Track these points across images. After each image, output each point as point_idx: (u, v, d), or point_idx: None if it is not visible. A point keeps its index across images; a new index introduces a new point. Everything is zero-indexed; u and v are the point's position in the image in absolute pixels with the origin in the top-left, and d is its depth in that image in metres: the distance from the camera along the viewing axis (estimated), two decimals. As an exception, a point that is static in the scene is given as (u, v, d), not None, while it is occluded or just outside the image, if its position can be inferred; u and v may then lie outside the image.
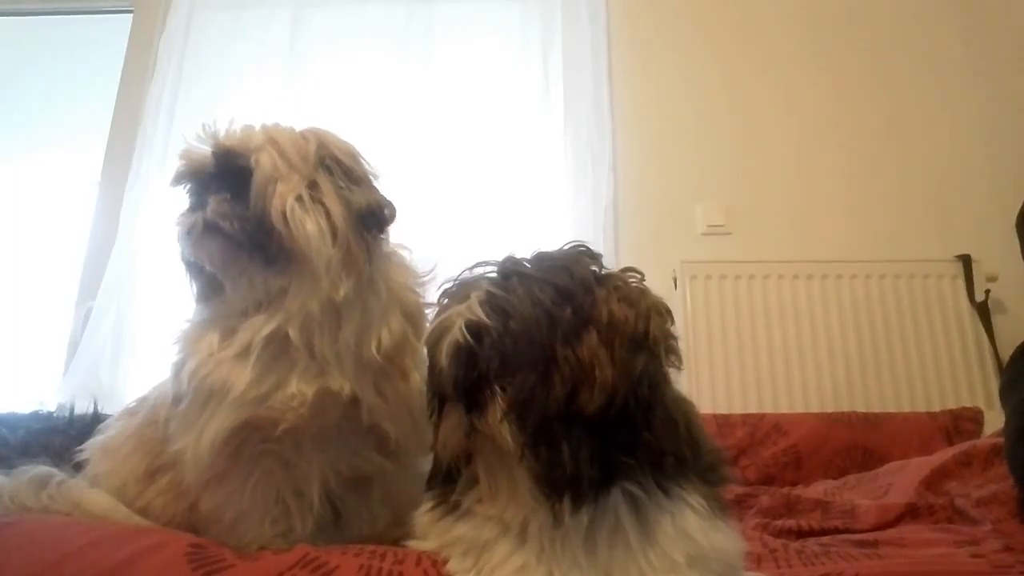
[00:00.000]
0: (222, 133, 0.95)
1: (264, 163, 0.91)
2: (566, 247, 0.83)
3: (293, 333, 0.90)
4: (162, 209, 2.50)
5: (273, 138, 0.94)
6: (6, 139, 3.14)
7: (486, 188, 2.58)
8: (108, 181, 2.71)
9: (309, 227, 0.89)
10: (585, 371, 0.72)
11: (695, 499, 0.76)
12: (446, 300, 0.80)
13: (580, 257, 0.81)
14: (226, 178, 0.93)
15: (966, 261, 2.40)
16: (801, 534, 1.23)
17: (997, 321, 2.33)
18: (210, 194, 0.93)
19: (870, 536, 1.14)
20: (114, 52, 2.91)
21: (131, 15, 2.98)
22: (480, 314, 0.74)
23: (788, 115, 2.69)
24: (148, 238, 2.51)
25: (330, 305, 0.91)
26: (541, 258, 0.81)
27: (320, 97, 2.69)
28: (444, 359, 0.75)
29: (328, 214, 0.91)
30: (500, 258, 0.81)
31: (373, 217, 0.94)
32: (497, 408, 0.73)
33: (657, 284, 0.83)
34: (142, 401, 1.07)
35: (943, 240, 2.46)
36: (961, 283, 2.39)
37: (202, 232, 0.92)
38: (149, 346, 2.40)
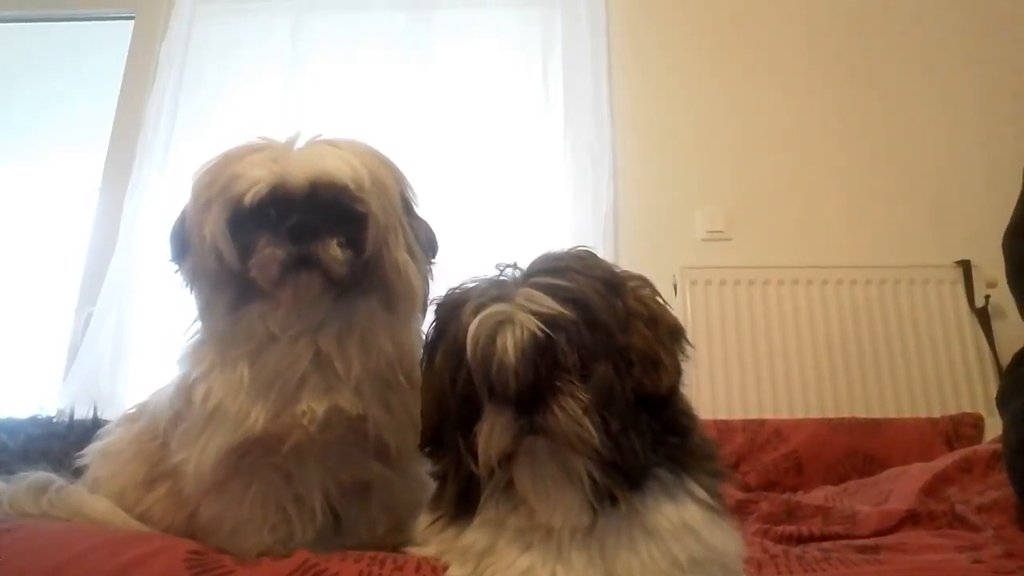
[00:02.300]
0: (319, 164, 0.89)
1: (377, 211, 0.91)
2: (575, 249, 0.83)
3: (340, 366, 0.90)
4: (163, 214, 2.52)
5: (377, 178, 0.92)
6: (7, 144, 3.15)
7: (486, 193, 2.59)
8: (109, 186, 2.71)
9: (415, 281, 0.94)
10: (651, 358, 0.76)
11: (698, 490, 0.77)
12: (477, 299, 0.76)
13: (596, 257, 0.83)
14: (319, 208, 0.89)
15: (966, 266, 2.40)
16: (802, 540, 1.22)
17: (997, 326, 2.33)
18: (290, 222, 0.87)
19: (871, 542, 1.13)
20: (115, 58, 2.91)
21: (132, 21, 2.99)
22: (555, 306, 0.73)
23: (788, 121, 2.69)
24: (148, 243, 2.51)
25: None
26: (571, 255, 0.81)
27: (320, 102, 2.69)
28: (512, 354, 0.71)
29: (419, 261, 0.96)
30: (521, 259, 0.80)
31: (431, 249, 1.00)
32: (574, 402, 0.72)
33: (660, 293, 0.84)
34: (143, 406, 1.07)
35: (943, 245, 2.47)
36: (961, 288, 2.39)
37: (301, 268, 0.88)
38: (149, 352, 2.40)
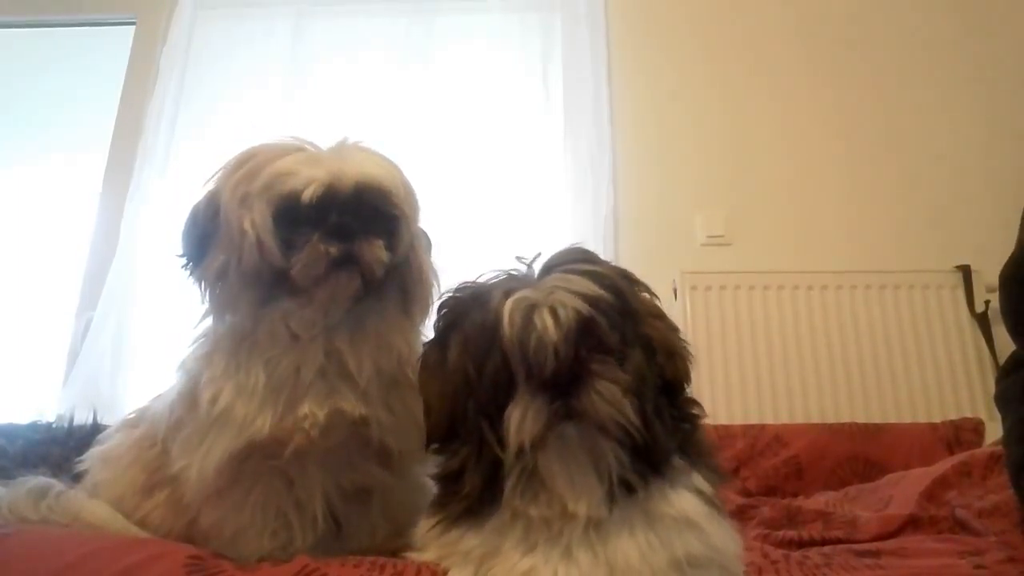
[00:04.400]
0: (364, 168, 0.91)
1: (410, 217, 0.95)
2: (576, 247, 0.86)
3: (353, 366, 0.91)
4: (163, 218, 2.52)
5: (407, 187, 0.97)
6: (8, 148, 3.15)
7: (485, 196, 2.59)
8: (109, 191, 2.71)
9: (433, 284, 0.98)
10: (669, 347, 0.80)
11: (701, 483, 0.78)
12: (505, 287, 0.77)
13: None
14: (361, 209, 0.90)
15: (966, 272, 2.40)
16: (802, 544, 1.22)
17: (998, 331, 2.32)
18: (337, 221, 0.89)
19: (872, 546, 1.13)
20: (116, 63, 2.92)
21: (133, 26, 2.99)
22: (596, 289, 0.74)
23: (787, 125, 2.70)
24: (149, 248, 2.51)
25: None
26: (585, 251, 0.85)
27: (320, 105, 2.70)
28: (552, 332, 0.71)
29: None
30: (545, 253, 0.83)
31: (430, 250, 1.04)
32: (613, 384, 0.72)
33: (657, 294, 0.85)
34: (142, 412, 1.07)
35: (943, 250, 2.47)
36: (961, 293, 2.39)
37: (342, 267, 0.89)
38: (149, 356, 2.39)
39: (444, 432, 0.80)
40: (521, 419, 0.72)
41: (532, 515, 0.73)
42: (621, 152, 2.65)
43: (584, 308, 0.73)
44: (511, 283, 0.78)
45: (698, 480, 0.78)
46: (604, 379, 0.72)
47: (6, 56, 3.20)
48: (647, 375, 0.76)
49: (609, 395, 0.72)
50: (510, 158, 2.65)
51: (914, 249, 2.50)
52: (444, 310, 0.84)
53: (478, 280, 0.82)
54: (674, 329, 0.84)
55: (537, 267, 0.80)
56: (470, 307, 0.79)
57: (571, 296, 0.73)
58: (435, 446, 0.82)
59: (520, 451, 0.72)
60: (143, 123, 2.72)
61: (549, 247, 0.85)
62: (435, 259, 1.04)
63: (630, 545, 0.73)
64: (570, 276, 0.75)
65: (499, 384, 0.75)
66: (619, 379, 0.73)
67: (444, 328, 0.83)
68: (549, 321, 0.72)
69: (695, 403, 0.83)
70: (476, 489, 0.75)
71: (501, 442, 0.74)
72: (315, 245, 0.88)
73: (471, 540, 0.76)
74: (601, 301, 0.74)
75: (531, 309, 0.73)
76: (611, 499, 0.73)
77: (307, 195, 0.87)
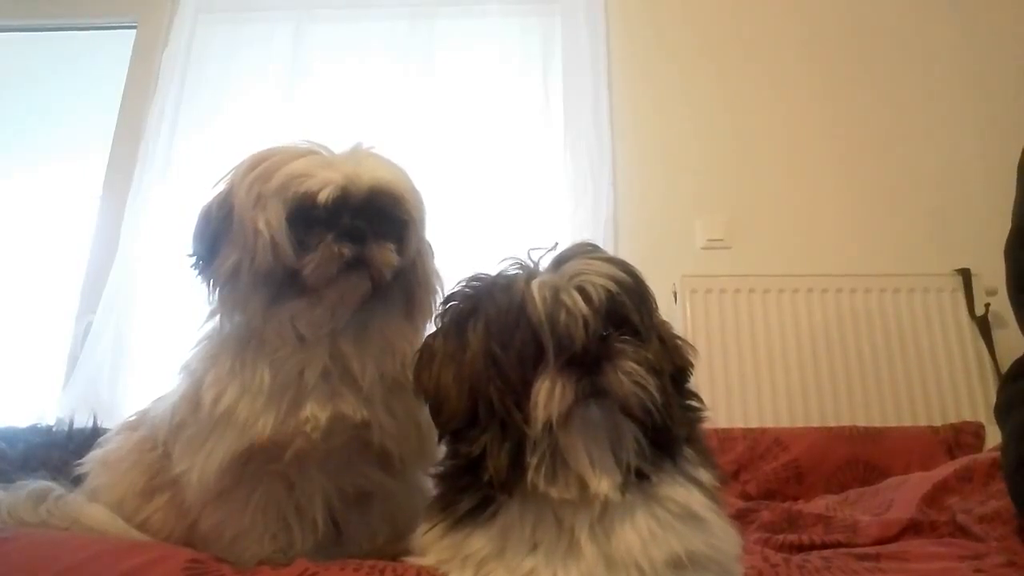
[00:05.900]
0: (377, 173, 0.93)
1: (419, 222, 0.97)
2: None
3: (357, 368, 0.91)
4: (164, 222, 2.52)
5: (417, 193, 0.98)
6: (9, 152, 3.15)
7: (486, 201, 2.59)
8: (109, 194, 2.72)
9: (436, 290, 0.99)
10: (672, 337, 0.84)
11: (703, 475, 0.79)
12: (527, 273, 0.80)
13: None
14: (373, 213, 0.92)
15: (966, 275, 2.40)
16: (803, 548, 1.22)
17: (997, 335, 2.33)
18: (350, 223, 0.90)
19: (872, 550, 1.13)
20: (117, 66, 2.93)
21: (134, 30, 3.00)
22: (620, 272, 0.78)
23: (787, 129, 2.70)
24: (149, 251, 2.52)
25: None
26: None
27: (320, 110, 2.71)
28: (584, 307, 0.74)
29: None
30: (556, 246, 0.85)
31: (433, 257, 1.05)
32: (637, 364, 0.74)
33: (657, 298, 0.85)
34: (143, 415, 1.07)
35: (942, 254, 2.47)
36: (961, 297, 2.39)
37: (352, 269, 0.90)
38: (149, 360, 2.39)
39: (464, 418, 0.78)
40: (549, 393, 0.73)
41: (553, 496, 0.73)
42: (621, 155, 2.66)
43: (612, 287, 0.76)
44: (529, 272, 0.80)
45: (702, 474, 0.79)
46: (628, 358, 0.74)
47: (6, 60, 3.20)
48: (664, 359, 0.78)
49: (634, 374, 0.73)
50: (510, 162, 2.65)
51: (914, 252, 2.51)
52: (455, 302, 0.84)
53: (487, 273, 0.83)
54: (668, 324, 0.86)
55: (546, 261, 0.82)
56: (490, 294, 0.80)
57: (599, 276, 0.76)
58: (455, 435, 0.81)
59: (546, 427, 0.73)
60: (144, 127, 2.72)
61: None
62: (437, 265, 1.05)
63: (633, 537, 0.73)
64: (591, 261, 0.78)
65: (525, 360, 0.76)
66: (643, 359, 0.75)
67: (459, 316, 0.82)
68: (578, 297, 0.74)
69: (697, 396, 0.84)
70: (501, 472, 0.74)
71: (526, 420, 0.74)
72: (328, 246, 0.89)
73: (477, 541, 0.75)
74: (625, 283, 0.78)
75: (556, 290, 0.75)
76: (625, 484, 0.74)
77: (323, 197, 0.88)
